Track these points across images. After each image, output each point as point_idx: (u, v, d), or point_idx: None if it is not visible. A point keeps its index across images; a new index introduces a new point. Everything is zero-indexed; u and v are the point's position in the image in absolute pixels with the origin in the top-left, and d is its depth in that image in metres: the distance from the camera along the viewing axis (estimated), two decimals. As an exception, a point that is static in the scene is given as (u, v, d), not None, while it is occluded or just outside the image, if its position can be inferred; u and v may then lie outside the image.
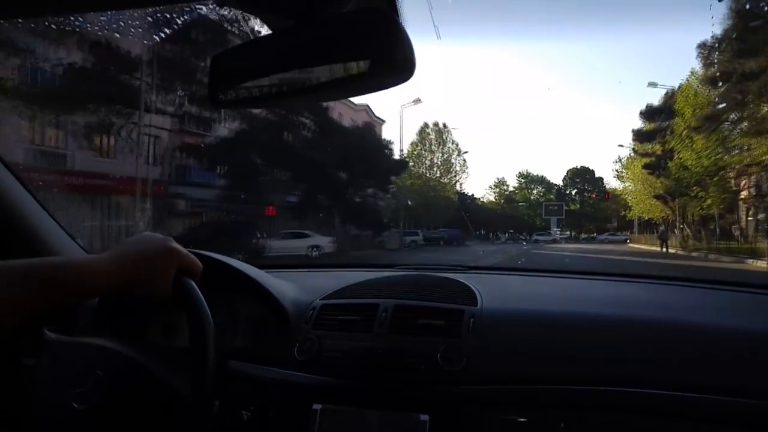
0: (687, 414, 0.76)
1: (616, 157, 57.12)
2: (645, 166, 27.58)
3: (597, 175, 64.56)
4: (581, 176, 65.12)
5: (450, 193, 44.92)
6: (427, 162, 45.62)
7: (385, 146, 24.06)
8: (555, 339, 0.89)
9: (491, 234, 49.70)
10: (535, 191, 67.08)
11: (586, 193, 64.19)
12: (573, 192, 65.84)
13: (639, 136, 29.22)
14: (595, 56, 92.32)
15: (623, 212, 45.20)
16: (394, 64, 0.49)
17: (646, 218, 37.29)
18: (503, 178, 68.44)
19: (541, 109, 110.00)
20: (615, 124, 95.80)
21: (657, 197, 27.83)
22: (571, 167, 66.27)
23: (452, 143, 46.51)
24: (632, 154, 32.26)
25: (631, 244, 39.72)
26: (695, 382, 0.78)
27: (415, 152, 45.27)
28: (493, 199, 64.51)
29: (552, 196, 63.47)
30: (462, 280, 1.11)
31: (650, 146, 27.26)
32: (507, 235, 51.24)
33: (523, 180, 67.24)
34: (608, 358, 0.84)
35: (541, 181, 67.26)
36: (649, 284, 1.30)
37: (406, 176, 42.48)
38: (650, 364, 0.82)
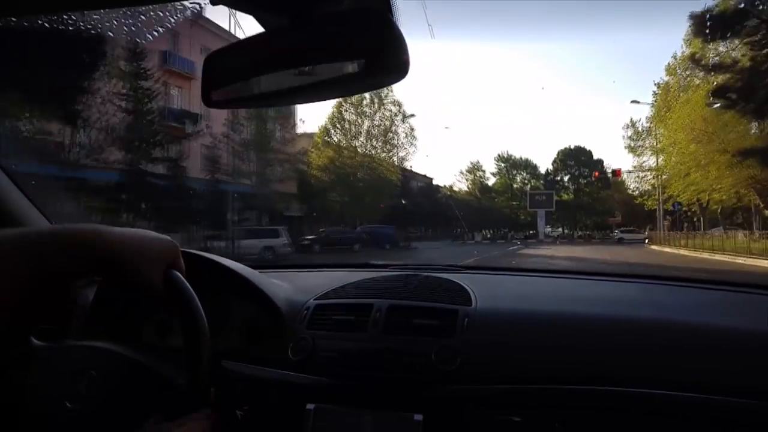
0: (681, 413, 0.79)
1: (628, 121, 43.32)
2: (718, 92, 13.47)
3: (596, 157, 51.66)
4: (575, 158, 52.25)
5: (389, 172, 31.32)
6: (358, 129, 31.51)
7: None
8: (549, 339, 0.91)
9: (464, 233, 37.25)
10: (518, 178, 54.33)
11: (582, 179, 50.81)
12: (565, 178, 52.63)
13: (703, 25, 14.34)
14: (589, 45, 79.58)
15: (639, 200, 31.57)
16: (389, 63, 0.50)
17: (689, 204, 23.16)
18: (478, 161, 54.89)
19: (521, 85, 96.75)
20: (612, 102, 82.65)
21: (746, 154, 13.68)
22: (563, 147, 53.14)
23: (394, 104, 32.51)
24: (683, 78, 18.06)
25: (652, 246, 25.60)
26: (689, 382, 0.80)
27: (340, 114, 31.16)
28: (466, 189, 51.38)
29: (539, 185, 50.63)
30: (456, 280, 1.13)
31: (735, 46, 13.13)
32: (485, 233, 39.24)
33: (503, 164, 54.48)
34: (603, 357, 0.86)
35: (526, 165, 54.72)
36: (643, 284, 1.31)
37: (320, 145, 29.54)
38: (645, 364, 0.84)
